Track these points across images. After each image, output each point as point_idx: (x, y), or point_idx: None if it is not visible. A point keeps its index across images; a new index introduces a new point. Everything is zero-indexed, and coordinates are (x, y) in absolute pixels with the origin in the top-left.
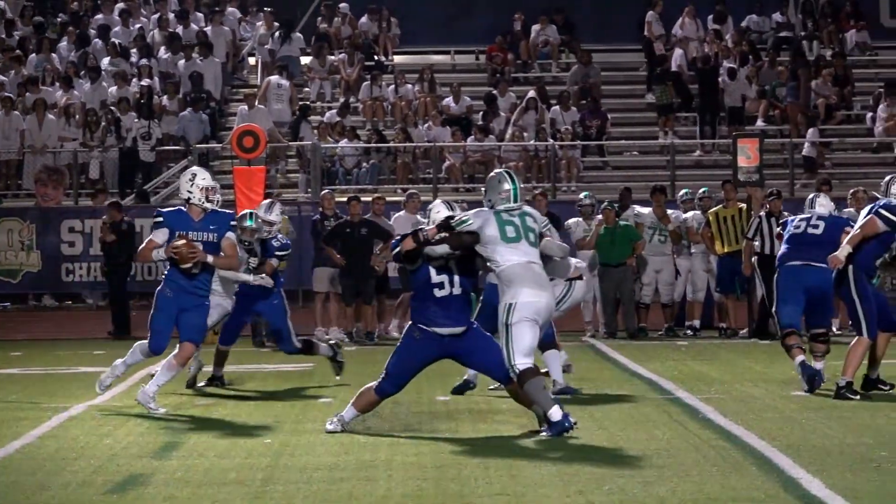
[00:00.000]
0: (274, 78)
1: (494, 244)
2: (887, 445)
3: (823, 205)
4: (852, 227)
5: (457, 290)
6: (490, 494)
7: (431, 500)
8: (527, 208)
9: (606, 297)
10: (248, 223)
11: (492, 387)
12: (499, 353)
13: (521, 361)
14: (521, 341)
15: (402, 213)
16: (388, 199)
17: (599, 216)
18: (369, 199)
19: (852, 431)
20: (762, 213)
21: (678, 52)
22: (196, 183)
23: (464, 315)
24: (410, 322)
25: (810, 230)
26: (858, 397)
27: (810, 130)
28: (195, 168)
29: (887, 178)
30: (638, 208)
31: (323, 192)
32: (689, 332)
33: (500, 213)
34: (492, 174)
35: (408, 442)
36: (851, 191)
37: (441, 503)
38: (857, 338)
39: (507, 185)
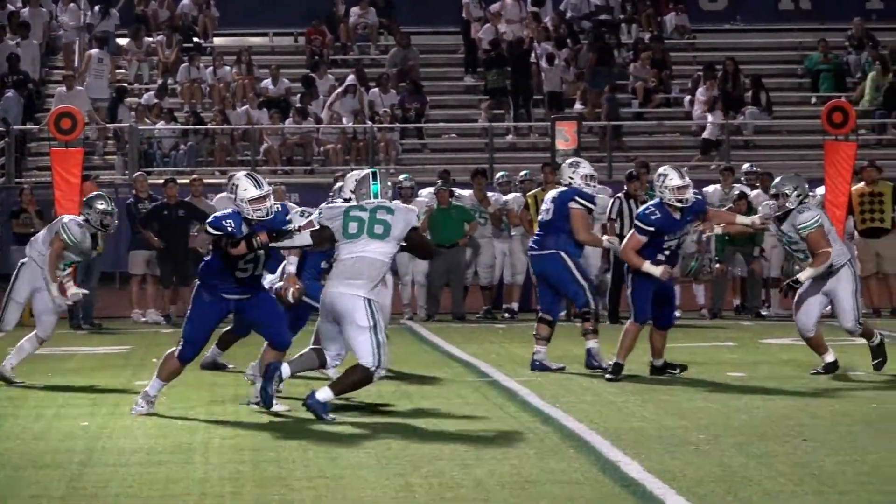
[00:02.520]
0: (94, 52)
1: (339, 241)
2: (704, 428)
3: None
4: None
5: (258, 272)
6: (309, 477)
7: (249, 482)
8: (389, 204)
9: (435, 278)
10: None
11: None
12: (278, 321)
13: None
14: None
15: (223, 194)
16: (206, 181)
17: (422, 198)
18: (187, 181)
19: (670, 414)
20: (621, 195)
21: (487, 27)
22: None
23: (255, 285)
24: (198, 284)
25: (543, 215)
26: (609, 376)
27: (710, 115)
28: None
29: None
30: (458, 191)
31: (136, 175)
32: (507, 314)
33: (351, 209)
34: (362, 175)
35: (226, 425)
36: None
37: (259, 486)
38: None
39: (369, 183)
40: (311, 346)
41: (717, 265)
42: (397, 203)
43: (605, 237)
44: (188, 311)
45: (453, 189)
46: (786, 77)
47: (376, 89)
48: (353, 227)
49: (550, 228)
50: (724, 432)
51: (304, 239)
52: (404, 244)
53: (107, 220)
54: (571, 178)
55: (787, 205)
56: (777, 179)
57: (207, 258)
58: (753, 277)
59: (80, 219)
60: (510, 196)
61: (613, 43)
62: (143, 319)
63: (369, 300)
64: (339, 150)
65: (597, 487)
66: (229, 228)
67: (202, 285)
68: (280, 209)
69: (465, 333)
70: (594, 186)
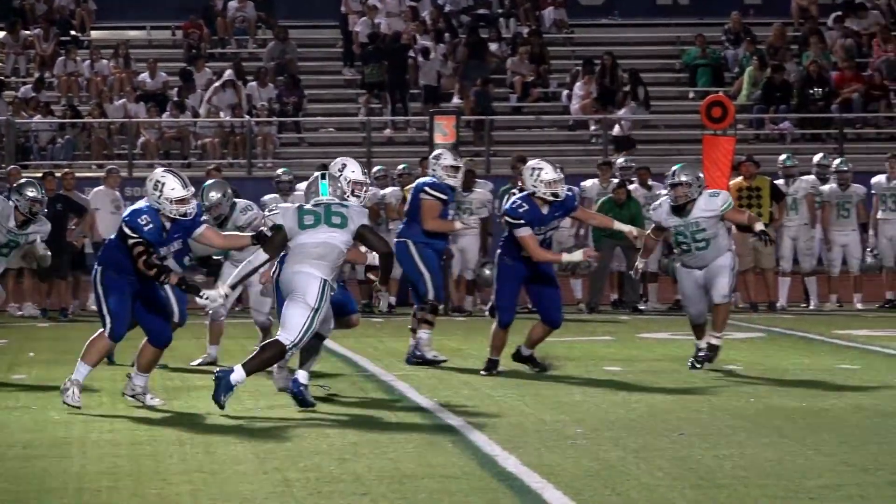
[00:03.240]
0: None
1: (294, 234)
2: (582, 422)
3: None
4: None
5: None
6: (186, 471)
7: (127, 477)
8: (336, 200)
9: None
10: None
11: (194, 362)
12: (161, 311)
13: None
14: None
15: (101, 187)
16: (83, 174)
17: (300, 192)
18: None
19: (548, 409)
20: (515, 189)
21: (364, 21)
22: None
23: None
24: (102, 267)
25: (407, 207)
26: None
27: (623, 110)
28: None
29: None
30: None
31: (9, 168)
32: (384, 308)
33: (303, 206)
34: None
35: (102, 419)
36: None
37: (136, 480)
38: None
39: (318, 184)
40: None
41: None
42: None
43: (457, 222)
44: (100, 293)
45: None
46: (664, 72)
47: (254, 83)
48: (309, 219)
49: (408, 219)
50: (601, 426)
51: (260, 257)
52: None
53: (35, 207)
54: (434, 170)
55: (689, 194)
56: (675, 169)
57: (109, 242)
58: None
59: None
60: (388, 190)
61: (494, 37)
62: (20, 313)
63: (326, 282)
64: (216, 144)
65: (474, 481)
66: (146, 228)
67: (106, 268)
68: (196, 210)
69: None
70: (456, 178)
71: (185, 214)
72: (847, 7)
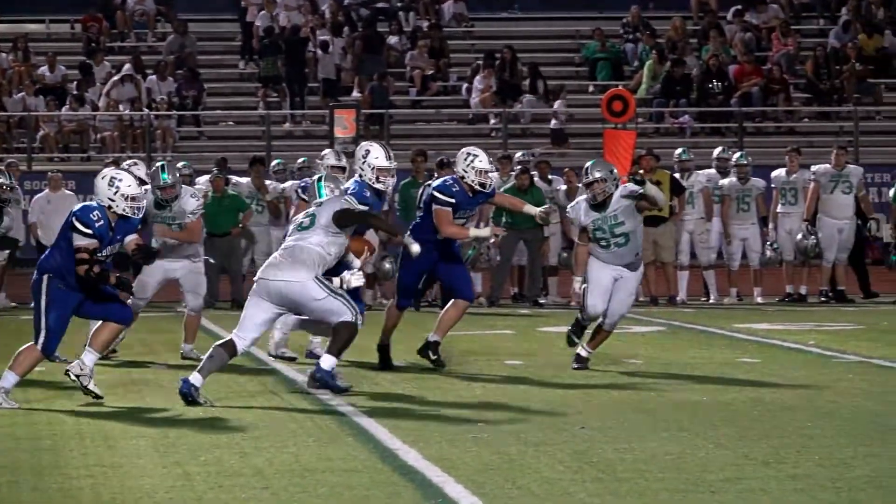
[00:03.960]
0: None
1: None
2: (483, 416)
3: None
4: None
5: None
6: (86, 465)
7: (27, 472)
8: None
9: (210, 266)
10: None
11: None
12: (112, 296)
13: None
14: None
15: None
16: None
17: (200, 186)
18: None
19: (449, 402)
20: (430, 182)
21: (263, 14)
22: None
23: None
24: (49, 276)
25: None
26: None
27: (557, 103)
28: None
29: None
30: (235, 179)
31: None
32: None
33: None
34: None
35: (2, 414)
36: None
37: (37, 475)
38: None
39: (315, 187)
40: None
41: (498, 255)
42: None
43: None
44: (42, 305)
45: (229, 177)
46: (563, 65)
47: (153, 76)
48: (305, 222)
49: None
50: (502, 420)
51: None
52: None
53: (5, 193)
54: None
55: (606, 189)
56: (587, 167)
57: (53, 248)
58: (534, 266)
59: None
60: (287, 184)
61: (394, 30)
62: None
63: (315, 277)
64: (115, 138)
65: (375, 475)
66: (97, 224)
67: (53, 278)
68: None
69: (234, 319)
70: (342, 175)
71: (136, 212)
72: (746, 1)
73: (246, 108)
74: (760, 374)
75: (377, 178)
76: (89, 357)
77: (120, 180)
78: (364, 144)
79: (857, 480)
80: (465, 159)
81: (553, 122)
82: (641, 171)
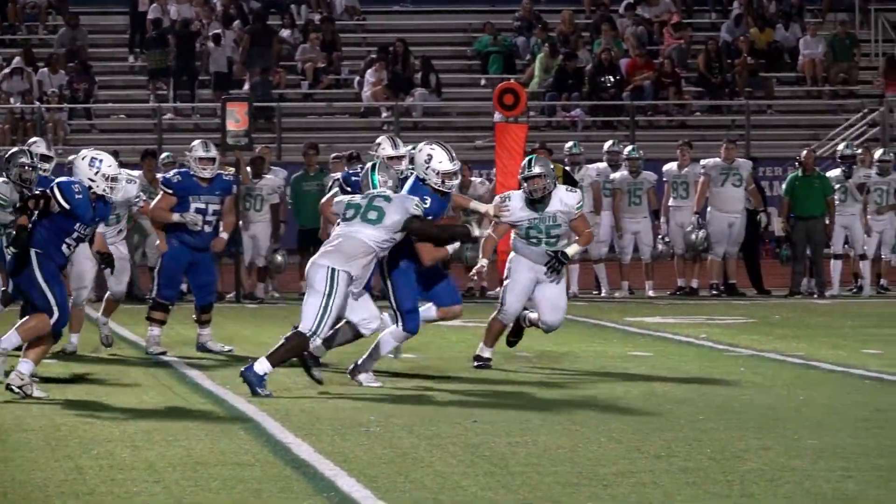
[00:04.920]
0: None
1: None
2: (375, 410)
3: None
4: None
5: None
6: None
7: None
8: (388, 193)
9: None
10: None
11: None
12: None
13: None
14: None
15: None
16: None
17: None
18: None
19: (342, 396)
20: (338, 176)
21: (154, 7)
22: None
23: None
24: (36, 252)
25: None
26: None
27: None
28: None
29: None
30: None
31: None
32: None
33: (353, 199)
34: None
35: None
36: (333, 155)
37: None
38: None
39: (369, 177)
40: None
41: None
42: (400, 193)
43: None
44: (38, 281)
45: (124, 169)
46: (455, 59)
47: (45, 69)
48: (349, 213)
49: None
50: (395, 414)
51: None
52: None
53: (27, 174)
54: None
55: (546, 186)
56: (529, 160)
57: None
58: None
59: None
60: (337, 175)
61: (287, 23)
62: None
63: (333, 269)
64: (6, 130)
65: (268, 469)
66: (78, 197)
67: (42, 254)
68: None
69: (133, 314)
70: (206, 169)
71: (112, 192)
72: None
73: (137, 101)
74: (652, 367)
75: (443, 182)
76: (26, 366)
77: (100, 161)
78: (425, 148)
79: (748, 474)
80: (425, 161)
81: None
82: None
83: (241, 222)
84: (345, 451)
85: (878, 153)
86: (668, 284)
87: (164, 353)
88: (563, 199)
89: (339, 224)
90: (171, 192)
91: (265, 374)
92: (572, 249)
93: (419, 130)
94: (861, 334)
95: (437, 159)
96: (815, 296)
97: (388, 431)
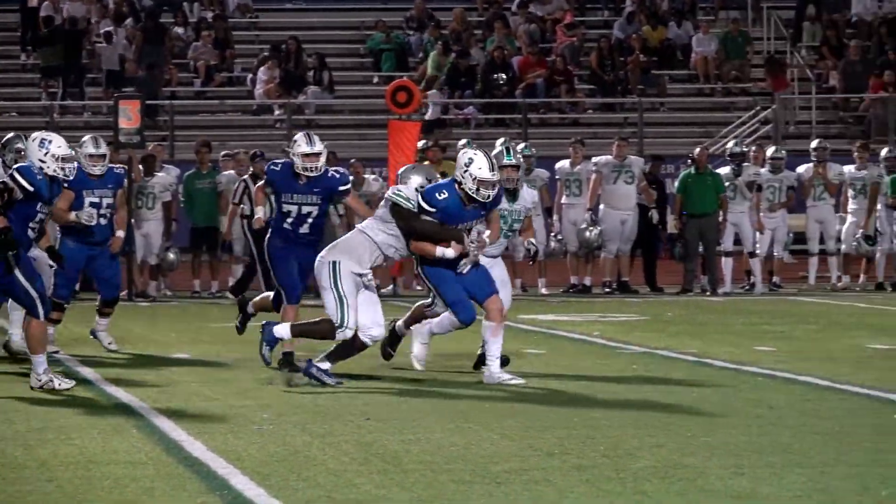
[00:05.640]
0: None
1: None
2: (268, 408)
3: None
4: None
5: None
6: None
7: None
8: (398, 187)
9: None
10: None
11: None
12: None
13: None
14: None
15: None
16: None
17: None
18: None
19: (234, 394)
20: (246, 177)
21: (46, 4)
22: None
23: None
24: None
25: None
26: None
27: (432, 92)
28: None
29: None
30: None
31: None
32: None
33: None
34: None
35: None
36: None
37: None
38: None
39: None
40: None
41: None
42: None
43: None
44: (20, 279)
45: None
46: (348, 57)
47: None
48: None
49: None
50: (287, 412)
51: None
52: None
53: (22, 160)
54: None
55: (519, 177)
56: (508, 148)
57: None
58: None
59: None
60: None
61: (179, 21)
62: None
63: (334, 262)
64: None
65: (160, 467)
66: (39, 177)
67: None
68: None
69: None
70: (97, 166)
71: (65, 174)
72: None
73: (29, 99)
74: (546, 365)
75: (477, 189)
76: (38, 365)
77: (49, 142)
78: (468, 152)
79: (641, 471)
80: (465, 164)
81: (429, 112)
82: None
83: (133, 220)
84: (238, 450)
85: (770, 151)
86: (561, 282)
87: (57, 352)
88: (527, 197)
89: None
90: (66, 185)
91: (281, 337)
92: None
93: (312, 128)
94: (753, 331)
95: (478, 165)
96: (708, 293)
97: (281, 429)
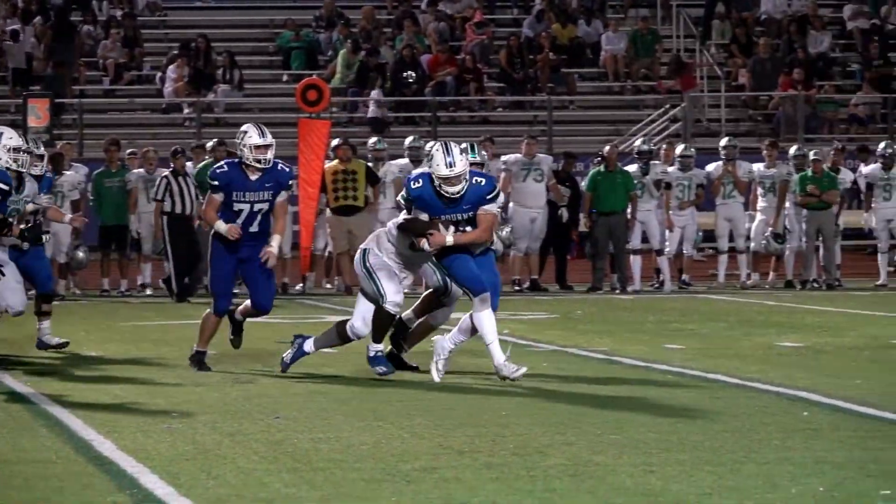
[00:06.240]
0: None
1: None
2: (178, 406)
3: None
4: None
5: None
6: None
7: None
8: None
9: None
10: None
11: None
12: None
13: None
14: None
15: None
16: None
17: None
18: None
19: (144, 392)
20: (167, 174)
21: None
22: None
23: None
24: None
25: None
26: None
27: (374, 92)
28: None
29: None
30: None
31: None
32: None
33: None
34: None
35: None
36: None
37: None
38: None
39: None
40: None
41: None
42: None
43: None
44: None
45: None
46: (257, 55)
47: None
48: None
49: None
50: (197, 410)
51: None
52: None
53: (20, 157)
54: None
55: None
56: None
57: None
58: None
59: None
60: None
61: (88, 19)
62: None
63: (365, 251)
64: None
65: (70, 466)
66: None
67: None
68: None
69: None
70: (37, 166)
71: (18, 165)
72: None
73: None
74: (456, 363)
75: (440, 185)
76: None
77: (0, 134)
78: (432, 147)
79: (552, 469)
80: (427, 159)
81: (371, 109)
82: None
83: (42, 218)
84: (147, 448)
85: (679, 149)
86: None
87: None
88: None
89: None
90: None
91: (377, 352)
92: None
93: (221, 126)
94: (663, 329)
95: (436, 161)
96: (618, 291)
97: (191, 428)
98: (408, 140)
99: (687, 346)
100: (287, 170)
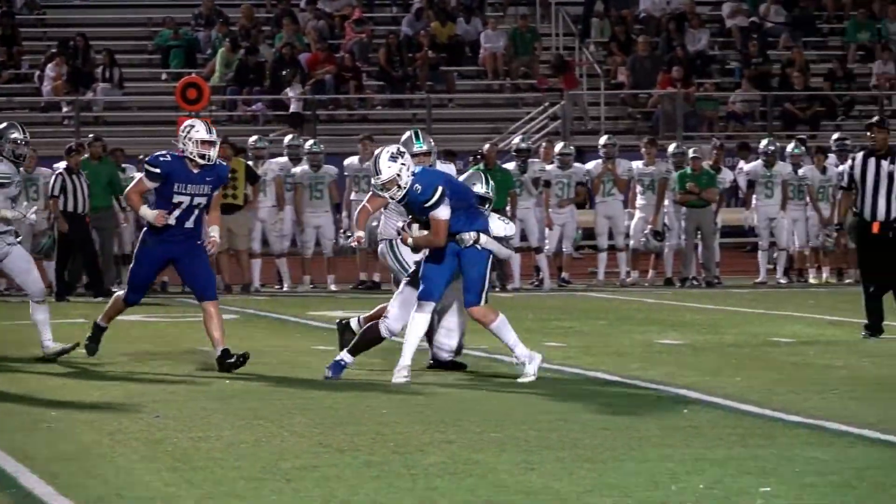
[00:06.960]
0: None
1: None
2: (58, 406)
3: None
4: None
5: None
6: None
7: None
8: None
9: None
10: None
11: None
12: None
13: None
14: None
15: None
16: None
17: None
18: None
19: (24, 392)
20: (62, 170)
21: None
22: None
23: None
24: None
25: None
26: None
27: (292, 90)
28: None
29: None
30: None
31: None
32: None
33: None
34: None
35: None
36: None
37: None
38: None
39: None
40: None
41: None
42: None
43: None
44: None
45: None
46: (136, 53)
47: None
48: None
49: None
50: (76, 409)
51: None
52: None
53: (19, 149)
54: None
55: (433, 165)
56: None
57: None
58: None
59: None
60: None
61: None
62: None
63: (389, 241)
64: None
65: None
66: None
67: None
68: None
69: None
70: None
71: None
72: None
73: None
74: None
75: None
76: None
77: None
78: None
79: (432, 467)
80: (185, 131)
81: (293, 106)
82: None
83: None
84: (26, 448)
85: (558, 147)
86: (350, 278)
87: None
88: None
89: None
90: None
91: (344, 362)
92: None
93: (100, 125)
94: (543, 327)
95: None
96: (497, 289)
97: (71, 427)
98: (287, 138)
99: (567, 344)
100: (224, 164)
